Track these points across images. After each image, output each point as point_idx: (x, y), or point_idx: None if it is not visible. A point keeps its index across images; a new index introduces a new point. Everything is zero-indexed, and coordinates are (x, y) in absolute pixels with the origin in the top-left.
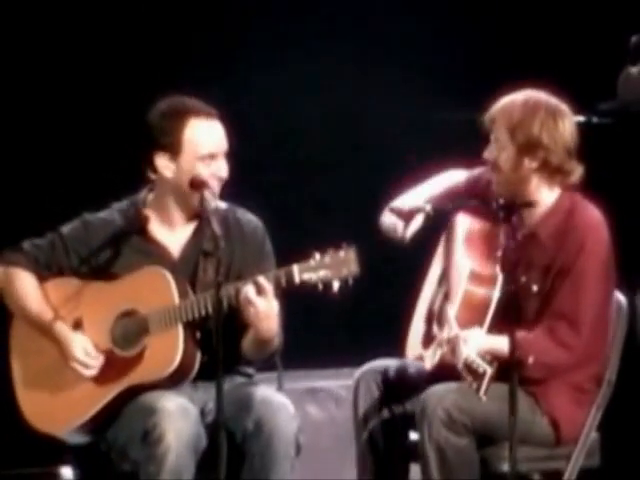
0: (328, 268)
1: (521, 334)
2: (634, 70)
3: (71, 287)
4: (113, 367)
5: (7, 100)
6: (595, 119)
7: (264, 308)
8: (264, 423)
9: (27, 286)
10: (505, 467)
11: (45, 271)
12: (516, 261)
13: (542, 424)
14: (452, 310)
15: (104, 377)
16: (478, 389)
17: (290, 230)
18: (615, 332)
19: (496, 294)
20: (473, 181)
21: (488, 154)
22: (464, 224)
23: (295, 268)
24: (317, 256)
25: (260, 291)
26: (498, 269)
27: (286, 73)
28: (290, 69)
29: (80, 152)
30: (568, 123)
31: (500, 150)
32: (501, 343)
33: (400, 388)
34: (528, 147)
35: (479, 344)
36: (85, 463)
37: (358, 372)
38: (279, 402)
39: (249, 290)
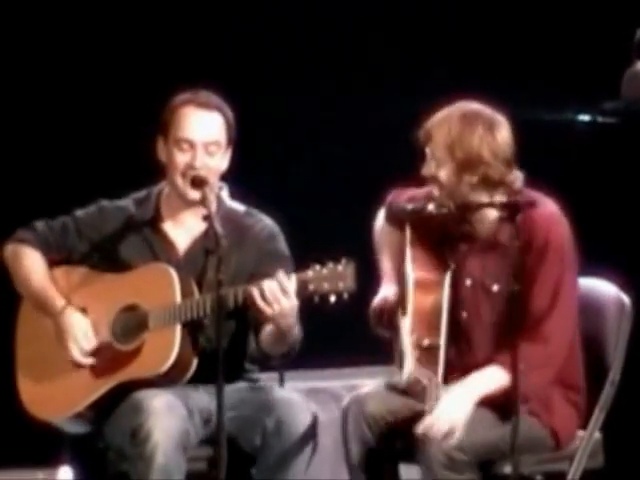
0: (325, 281)
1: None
2: (639, 69)
3: (78, 276)
4: (111, 360)
5: (28, 90)
6: (600, 118)
7: (288, 306)
8: (284, 422)
9: (34, 264)
10: (507, 469)
11: (54, 253)
12: (481, 272)
13: (544, 436)
14: (406, 322)
15: (101, 369)
16: (422, 402)
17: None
18: (618, 332)
19: (445, 297)
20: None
21: (426, 170)
22: (409, 231)
23: (293, 278)
24: (316, 267)
25: (284, 290)
26: (445, 272)
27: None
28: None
29: (107, 142)
30: (506, 133)
31: (438, 167)
32: (482, 385)
33: (387, 418)
34: (468, 163)
35: (467, 405)
36: (84, 462)
37: (345, 403)
38: (299, 402)
39: (274, 288)
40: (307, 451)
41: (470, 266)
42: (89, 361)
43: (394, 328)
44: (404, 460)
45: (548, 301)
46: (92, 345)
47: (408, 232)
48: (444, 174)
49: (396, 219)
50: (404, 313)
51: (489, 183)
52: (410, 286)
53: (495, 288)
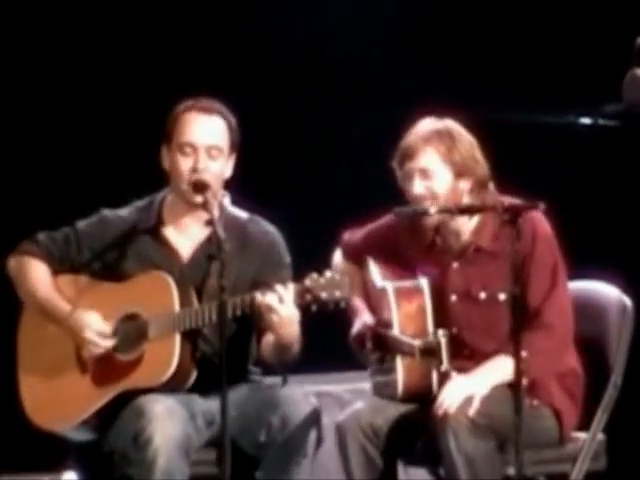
0: (322, 289)
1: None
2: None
3: (80, 286)
4: (112, 369)
5: (29, 98)
6: (601, 121)
7: (286, 315)
8: (290, 418)
9: (39, 273)
10: (511, 471)
11: (57, 263)
12: (468, 281)
13: (546, 418)
14: (395, 332)
15: (103, 378)
16: (441, 363)
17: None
18: (621, 334)
19: (427, 300)
20: (375, 237)
21: (422, 189)
22: (370, 260)
23: (290, 287)
24: (313, 276)
25: (281, 299)
26: (420, 279)
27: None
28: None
29: (111, 149)
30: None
31: (433, 180)
32: (493, 372)
33: (385, 428)
34: (464, 167)
35: (481, 390)
36: (89, 467)
37: (338, 420)
38: (302, 398)
39: (272, 298)
40: (312, 446)
41: (451, 281)
42: (110, 343)
43: (380, 346)
44: (409, 465)
45: (547, 288)
46: (108, 329)
47: (370, 261)
48: (440, 186)
49: (354, 255)
50: (389, 326)
51: (478, 186)
52: (391, 296)
53: (482, 296)
